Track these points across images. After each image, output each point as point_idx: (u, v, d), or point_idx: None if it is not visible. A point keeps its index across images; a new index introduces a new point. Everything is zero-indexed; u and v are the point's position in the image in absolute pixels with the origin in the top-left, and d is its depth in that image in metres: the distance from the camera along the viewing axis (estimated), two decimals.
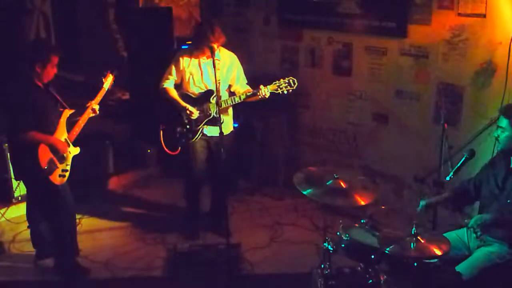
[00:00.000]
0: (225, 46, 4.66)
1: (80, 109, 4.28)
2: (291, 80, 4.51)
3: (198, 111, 4.62)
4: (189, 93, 4.73)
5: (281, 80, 4.50)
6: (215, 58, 4.27)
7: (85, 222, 5.26)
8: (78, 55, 6.68)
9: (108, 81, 4.43)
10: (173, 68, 4.72)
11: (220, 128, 4.15)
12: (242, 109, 5.31)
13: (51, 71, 4.03)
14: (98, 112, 4.33)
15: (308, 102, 5.99)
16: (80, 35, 6.82)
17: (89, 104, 4.29)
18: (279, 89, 4.49)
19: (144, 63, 6.03)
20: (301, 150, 6.11)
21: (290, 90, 4.51)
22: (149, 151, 4.95)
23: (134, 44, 6.34)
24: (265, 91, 4.45)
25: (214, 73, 4.16)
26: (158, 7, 6.75)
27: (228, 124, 4.77)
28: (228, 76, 4.69)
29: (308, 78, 5.86)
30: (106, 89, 4.41)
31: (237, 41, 6.28)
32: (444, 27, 4.67)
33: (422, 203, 3.65)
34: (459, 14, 4.54)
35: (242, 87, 4.71)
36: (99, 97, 4.35)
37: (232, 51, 4.88)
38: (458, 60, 4.63)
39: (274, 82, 4.49)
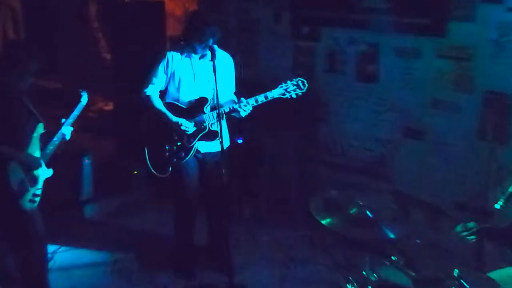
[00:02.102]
0: (227, 48, 4.76)
1: (57, 124, 4.33)
2: (300, 82, 4.59)
3: (192, 125, 4.65)
4: (177, 103, 4.73)
5: (288, 82, 4.56)
6: (214, 59, 4.37)
7: (59, 257, 5.22)
8: (54, 58, 6.67)
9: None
10: (160, 69, 4.71)
11: (221, 143, 4.26)
12: (247, 122, 5.33)
13: (26, 80, 4.08)
14: (68, 137, 4.38)
15: (326, 114, 6.01)
16: (56, 34, 6.79)
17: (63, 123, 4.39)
18: (286, 92, 4.56)
19: (131, 67, 6.05)
20: (318, 171, 6.11)
21: (299, 93, 4.59)
22: (135, 172, 4.90)
23: (120, 45, 6.36)
24: (244, 106, 4.54)
25: (215, 77, 4.27)
26: (148, 2, 6.70)
27: (224, 138, 4.76)
28: (224, 81, 4.69)
29: (327, 86, 5.93)
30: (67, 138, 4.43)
31: (241, 43, 6.46)
32: (490, 24, 4.67)
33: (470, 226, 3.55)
34: (509, 9, 4.54)
35: (229, 96, 4.78)
36: (71, 120, 4.41)
37: (236, 54, 5.01)
38: (508, 64, 4.61)
39: (280, 85, 4.56)
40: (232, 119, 4.82)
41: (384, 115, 5.58)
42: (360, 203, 3.71)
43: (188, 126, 4.61)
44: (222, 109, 4.52)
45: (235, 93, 4.86)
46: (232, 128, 5.17)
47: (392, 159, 5.59)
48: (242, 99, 4.56)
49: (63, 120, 4.37)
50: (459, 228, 3.53)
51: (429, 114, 5.22)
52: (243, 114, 4.58)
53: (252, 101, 4.56)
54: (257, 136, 6.03)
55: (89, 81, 4.90)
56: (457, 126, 5.04)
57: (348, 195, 3.87)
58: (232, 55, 4.80)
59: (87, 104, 4.55)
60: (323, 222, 3.61)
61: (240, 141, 5.75)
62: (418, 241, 4.21)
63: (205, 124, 4.68)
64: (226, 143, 4.82)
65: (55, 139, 4.30)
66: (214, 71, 4.30)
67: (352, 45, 5.72)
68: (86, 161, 5.95)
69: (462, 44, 4.88)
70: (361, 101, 5.74)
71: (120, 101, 6.44)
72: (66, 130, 4.36)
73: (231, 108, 4.56)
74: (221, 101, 4.48)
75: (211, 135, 4.68)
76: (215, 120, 4.60)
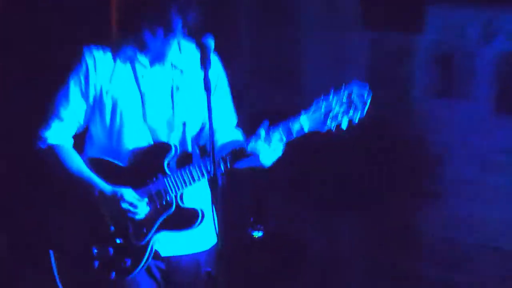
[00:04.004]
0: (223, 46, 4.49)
1: None
2: (355, 89, 4.31)
3: (145, 201, 4.47)
4: (110, 158, 4.59)
5: (332, 96, 4.27)
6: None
7: None
8: None
9: None
10: (73, 91, 4.52)
11: (218, 236, 4.03)
12: (269, 194, 5.73)
13: None
14: None
15: (436, 183, 5.94)
16: None
17: None
18: (328, 118, 4.28)
19: (14, 96, 6.07)
20: None
21: (354, 119, 4.30)
22: None
23: (8, 46, 6.20)
24: (260, 144, 4.33)
25: (208, 99, 4.03)
26: None
27: (208, 228, 4.43)
28: (199, 108, 4.58)
29: (437, 123, 5.88)
30: None
31: (259, 35, 6.47)
32: None
33: None
34: None
35: (226, 134, 4.69)
36: None
37: (252, 57, 5.40)
38: None
39: (316, 102, 4.29)
40: (239, 184, 4.95)
41: None
42: None
43: (135, 203, 4.40)
44: (217, 160, 4.37)
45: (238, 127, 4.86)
46: (237, 205, 5.30)
47: None
48: (261, 131, 4.28)
49: None
50: None
51: None
52: (265, 161, 4.32)
53: (278, 133, 4.31)
54: (291, 224, 6.12)
55: None
56: None
57: None
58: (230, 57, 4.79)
59: None
60: None
61: (258, 234, 5.90)
62: None
63: (169, 197, 4.46)
64: (211, 237, 4.55)
65: None
66: (208, 89, 4.02)
67: (491, 42, 5.67)
68: None
69: None
70: (510, 155, 5.65)
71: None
72: None
73: (236, 153, 4.34)
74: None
75: (183, 219, 4.48)
76: (191, 182, 4.47)
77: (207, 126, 4.30)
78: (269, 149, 4.34)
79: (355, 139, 4.98)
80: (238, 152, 4.34)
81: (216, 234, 3.99)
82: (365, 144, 5.22)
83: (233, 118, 4.76)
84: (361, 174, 5.84)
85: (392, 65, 6.03)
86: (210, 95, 4.01)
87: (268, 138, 4.32)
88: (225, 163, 4.33)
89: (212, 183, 4.05)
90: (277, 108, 5.44)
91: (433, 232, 6.03)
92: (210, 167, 4.31)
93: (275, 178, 4.77)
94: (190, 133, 4.62)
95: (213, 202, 4.10)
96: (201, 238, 4.58)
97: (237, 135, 4.63)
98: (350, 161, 5.63)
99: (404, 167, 5.96)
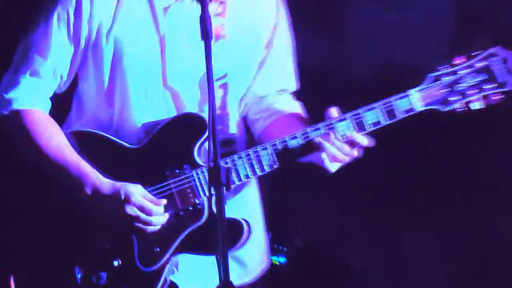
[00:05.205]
0: None
1: None
2: (499, 58, 3.97)
3: (162, 204, 4.03)
4: (107, 134, 4.17)
5: (460, 62, 3.99)
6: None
7: None
8: None
9: None
10: (55, 31, 4.05)
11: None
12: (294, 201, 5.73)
13: None
14: None
15: None
16: None
17: None
18: (456, 96, 4.03)
19: None
20: None
21: (495, 94, 4.00)
22: None
23: None
24: (350, 132, 3.91)
25: (206, 48, 3.71)
26: None
27: (253, 249, 4.26)
28: (248, 62, 4.20)
29: None
30: None
31: None
32: None
33: None
34: None
35: (283, 102, 4.36)
36: None
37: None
38: None
39: (436, 71, 3.98)
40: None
41: None
42: None
43: (148, 208, 3.97)
44: (253, 154, 4.00)
45: (298, 96, 4.45)
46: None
47: None
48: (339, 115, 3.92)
49: None
50: None
51: None
52: (330, 165, 3.90)
53: (372, 113, 3.95)
54: (332, 242, 5.93)
55: None
56: None
57: None
58: None
59: None
60: None
61: (279, 260, 6.03)
62: None
63: (199, 201, 4.06)
64: (260, 264, 4.38)
65: None
66: (206, 33, 3.62)
67: None
68: None
69: None
70: None
71: None
72: None
73: (289, 147, 4.02)
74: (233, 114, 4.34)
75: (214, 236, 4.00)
76: (235, 181, 4.14)
77: (254, 85, 4.13)
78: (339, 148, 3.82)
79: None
80: (305, 142, 3.89)
81: (217, 259, 3.32)
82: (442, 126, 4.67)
83: (290, 82, 4.25)
84: (437, 167, 5.32)
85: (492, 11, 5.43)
86: (210, 42, 3.53)
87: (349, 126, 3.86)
88: (279, 158, 3.85)
89: (213, 180, 3.37)
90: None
91: None
92: (271, 157, 3.91)
93: (308, 173, 4.08)
94: (234, 100, 4.17)
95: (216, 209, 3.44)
96: (236, 264, 4.11)
97: (295, 108, 4.20)
98: (418, 149, 5.20)
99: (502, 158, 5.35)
